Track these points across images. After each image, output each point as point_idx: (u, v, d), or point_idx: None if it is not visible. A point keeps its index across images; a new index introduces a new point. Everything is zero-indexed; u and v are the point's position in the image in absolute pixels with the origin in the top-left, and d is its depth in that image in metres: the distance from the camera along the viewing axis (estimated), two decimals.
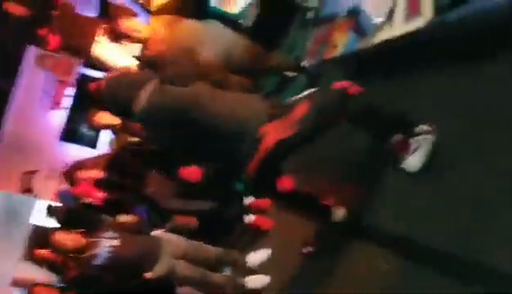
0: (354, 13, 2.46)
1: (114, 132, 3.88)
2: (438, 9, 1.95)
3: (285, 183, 2.18)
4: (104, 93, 2.44)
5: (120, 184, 3.58)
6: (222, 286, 3.07)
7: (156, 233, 3.16)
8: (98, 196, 3.43)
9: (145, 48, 3.12)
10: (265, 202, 3.36)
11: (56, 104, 7.50)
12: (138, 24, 3.10)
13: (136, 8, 3.74)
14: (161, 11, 3.32)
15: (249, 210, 3.47)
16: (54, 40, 4.13)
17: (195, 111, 2.14)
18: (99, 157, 3.79)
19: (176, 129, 2.20)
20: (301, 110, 2.13)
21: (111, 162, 3.55)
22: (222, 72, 3.04)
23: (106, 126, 3.66)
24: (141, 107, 2.19)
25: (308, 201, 2.41)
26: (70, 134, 7.59)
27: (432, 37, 2.15)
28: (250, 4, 3.51)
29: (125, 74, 2.53)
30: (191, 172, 2.63)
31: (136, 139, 3.59)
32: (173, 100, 2.19)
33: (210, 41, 3.05)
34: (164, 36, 3.02)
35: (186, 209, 3.57)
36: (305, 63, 3.22)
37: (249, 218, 3.43)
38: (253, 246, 3.33)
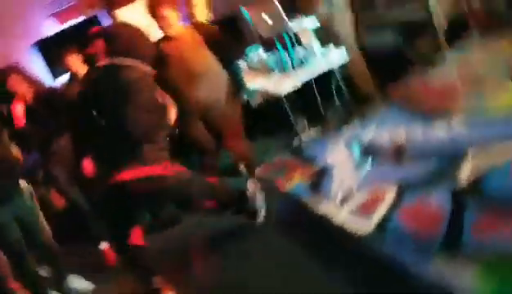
0: (323, 170, 2.52)
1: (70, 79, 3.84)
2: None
3: (136, 236, 2.27)
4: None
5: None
6: None
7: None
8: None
9: (163, 42, 3.15)
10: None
11: (59, 18, 7.42)
12: (176, 19, 3.13)
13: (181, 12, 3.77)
14: (200, 26, 3.37)
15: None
16: None
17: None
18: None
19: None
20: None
21: (45, 97, 3.47)
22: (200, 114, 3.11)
23: (71, 70, 3.70)
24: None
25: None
26: (46, 49, 7.39)
27: None
28: (259, 91, 3.60)
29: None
30: (88, 166, 2.52)
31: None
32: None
33: (212, 83, 3.09)
34: (185, 47, 3.07)
35: (65, 189, 3.41)
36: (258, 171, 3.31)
37: (104, 245, 3.26)
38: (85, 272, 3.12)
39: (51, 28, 7.34)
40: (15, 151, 3.37)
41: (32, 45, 7.17)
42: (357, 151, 2.64)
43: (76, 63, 3.87)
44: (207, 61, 3.10)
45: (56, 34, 7.29)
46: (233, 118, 3.22)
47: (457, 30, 3.36)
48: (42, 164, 3.72)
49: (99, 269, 3.20)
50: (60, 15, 7.50)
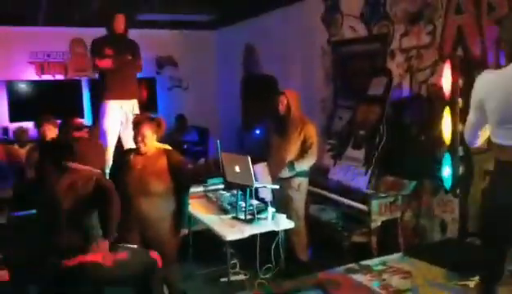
0: None
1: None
2: None
3: None
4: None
5: None
6: None
7: None
8: None
9: (133, 153, 3.61)
10: None
11: (38, 68, 7.56)
12: (152, 139, 3.60)
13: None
14: (169, 152, 3.77)
15: None
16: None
17: None
18: None
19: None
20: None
21: None
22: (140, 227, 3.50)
23: (44, 135, 4.28)
24: None
25: None
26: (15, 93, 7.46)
27: None
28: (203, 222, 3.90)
29: None
30: None
31: None
32: None
33: (160, 206, 3.54)
34: (149, 166, 3.50)
35: None
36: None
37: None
38: None
39: (26, 73, 7.47)
40: None
41: (3, 81, 7.23)
42: None
43: (51, 134, 4.18)
44: (162, 186, 3.49)
45: (30, 82, 7.42)
46: (168, 245, 3.51)
47: None
48: None
49: None
50: (40, 66, 7.67)
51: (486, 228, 2.53)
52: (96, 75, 4.61)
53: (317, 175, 4.72)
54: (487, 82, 2.29)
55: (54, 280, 2.92)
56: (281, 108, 4.27)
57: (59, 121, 4.35)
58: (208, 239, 3.94)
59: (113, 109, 4.16)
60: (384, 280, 3.28)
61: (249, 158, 3.64)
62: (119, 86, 4.14)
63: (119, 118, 4.19)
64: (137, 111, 4.27)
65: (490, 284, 2.49)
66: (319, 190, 4.63)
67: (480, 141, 2.46)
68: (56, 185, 2.99)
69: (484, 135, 2.42)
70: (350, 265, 3.50)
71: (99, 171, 3.15)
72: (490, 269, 2.50)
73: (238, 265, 4.22)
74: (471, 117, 2.45)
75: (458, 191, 3.69)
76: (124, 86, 4.17)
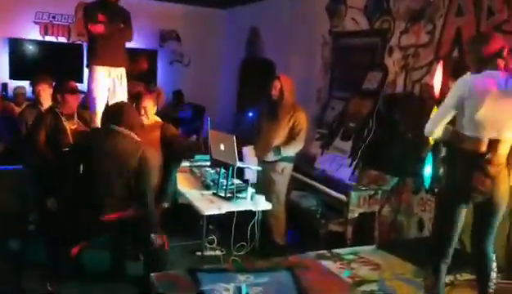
0: None
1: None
2: None
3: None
4: None
5: None
6: None
7: None
8: None
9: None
10: None
11: (42, 29, 7.56)
12: (152, 111, 3.78)
13: None
14: (164, 125, 3.86)
15: None
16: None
17: None
18: None
19: None
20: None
21: None
22: None
23: (38, 97, 4.42)
24: None
25: None
26: (17, 51, 7.47)
27: None
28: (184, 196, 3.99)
29: None
30: None
31: None
32: None
33: None
34: (143, 137, 3.49)
35: None
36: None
37: None
38: None
39: (30, 32, 7.47)
40: None
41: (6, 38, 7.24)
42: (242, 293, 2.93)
43: (46, 94, 4.21)
44: (153, 158, 3.54)
45: (33, 42, 7.43)
46: None
47: None
48: None
49: None
50: (44, 27, 7.67)
51: (441, 207, 2.80)
52: None
53: (304, 162, 4.76)
54: (469, 83, 2.57)
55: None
56: (274, 92, 4.29)
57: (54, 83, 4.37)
58: (190, 213, 3.99)
59: (101, 74, 4.18)
60: (352, 269, 3.35)
61: (234, 138, 3.68)
62: (109, 53, 4.15)
63: (106, 85, 4.21)
64: (125, 80, 4.28)
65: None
66: (303, 177, 4.68)
67: (437, 134, 2.68)
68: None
69: (442, 128, 2.65)
70: (322, 252, 3.56)
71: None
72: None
73: (216, 241, 4.29)
74: (444, 110, 2.66)
75: (436, 191, 3.72)
76: (114, 54, 4.18)
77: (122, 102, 3.59)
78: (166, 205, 3.90)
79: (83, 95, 4.31)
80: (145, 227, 3.25)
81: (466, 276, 3.28)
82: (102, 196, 3.21)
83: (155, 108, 3.75)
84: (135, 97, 3.72)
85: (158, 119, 4.00)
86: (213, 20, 8.45)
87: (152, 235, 3.21)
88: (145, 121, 3.67)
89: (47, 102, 4.26)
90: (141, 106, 3.71)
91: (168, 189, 3.86)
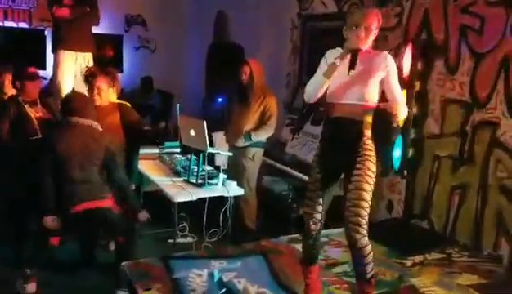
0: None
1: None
2: None
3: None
4: None
5: None
6: None
7: None
8: None
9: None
10: None
11: None
12: (107, 92, 3.69)
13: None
14: (124, 106, 3.81)
15: None
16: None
17: None
18: None
19: None
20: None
21: None
22: None
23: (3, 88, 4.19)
24: None
25: None
26: None
27: None
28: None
29: None
30: None
31: None
32: None
33: None
34: (102, 118, 3.49)
35: None
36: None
37: None
38: None
39: None
40: None
41: None
42: (215, 279, 2.91)
43: (9, 85, 4.05)
44: (111, 140, 3.52)
45: None
46: None
47: None
48: None
49: None
50: (3, 12, 7.32)
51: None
52: None
53: (275, 148, 4.75)
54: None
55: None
56: (244, 77, 4.24)
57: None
58: (161, 201, 3.93)
59: (66, 60, 4.04)
60: (324, 251, 3.37)
61: (205, 123, 3.62)
62: (75, 38, 4.01)
63: (72, 70, 4.07)
64: (91, 64, 4.16)
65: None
66: (274, 162, 4.67)
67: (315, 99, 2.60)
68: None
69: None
70: (294, 236, 3.57)
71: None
72: None
73: (188, 228, 4.25)
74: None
75: (406, 173, 3.78)
76: (80, 38, 4.05)
77: (78, 93, 3.58)
78: (133, 186, 3.84)
79: (45, 82, 4.16)
80: (118, 215, 3.29)
81: (435, 255, 3.36)
82: (74, 188, 3.21)
83: (111, 89, 3.64)
84: (88, 76, 3.59)
85: (117, 101, 3.88)
86: (180, 4, 8.27)
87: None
88: (98, 101, 3.56)
89: (11, 91, 4.09)
90: (94, 86, 3.59)
91: (131, 174, 3.81)
